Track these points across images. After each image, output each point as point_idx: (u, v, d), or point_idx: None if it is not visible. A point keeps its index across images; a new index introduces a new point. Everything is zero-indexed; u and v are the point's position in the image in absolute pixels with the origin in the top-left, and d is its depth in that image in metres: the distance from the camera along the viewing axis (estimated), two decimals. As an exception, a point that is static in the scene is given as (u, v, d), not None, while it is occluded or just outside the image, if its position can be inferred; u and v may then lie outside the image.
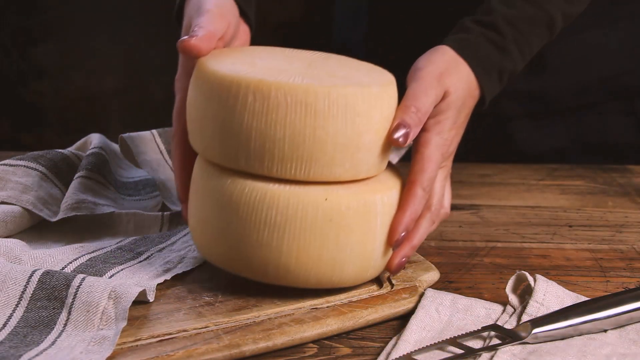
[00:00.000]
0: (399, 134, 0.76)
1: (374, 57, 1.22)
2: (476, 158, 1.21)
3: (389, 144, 0.77)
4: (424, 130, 0.80)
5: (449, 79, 0.81)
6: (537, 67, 0.89)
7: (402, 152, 1.04)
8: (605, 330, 0.75)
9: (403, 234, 0.77)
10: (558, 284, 0.79)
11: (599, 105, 1.21)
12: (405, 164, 0.86)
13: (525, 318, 0.75)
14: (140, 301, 0.75)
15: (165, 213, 0.92)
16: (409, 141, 0.76)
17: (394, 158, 1.15)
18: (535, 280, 0.78)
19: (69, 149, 1.00)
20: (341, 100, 0.73)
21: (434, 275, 0.83)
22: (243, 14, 0.87)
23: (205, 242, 0.78)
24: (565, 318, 0.73)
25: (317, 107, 0.72)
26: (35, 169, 0.93)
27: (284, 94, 0.72)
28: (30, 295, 0.73)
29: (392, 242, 0.77)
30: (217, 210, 0.75)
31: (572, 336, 0.73)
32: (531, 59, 0.92)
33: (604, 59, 1.18)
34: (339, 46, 1.32)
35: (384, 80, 0.77)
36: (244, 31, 0.88)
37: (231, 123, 0.73)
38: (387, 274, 0.81)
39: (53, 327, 0.70)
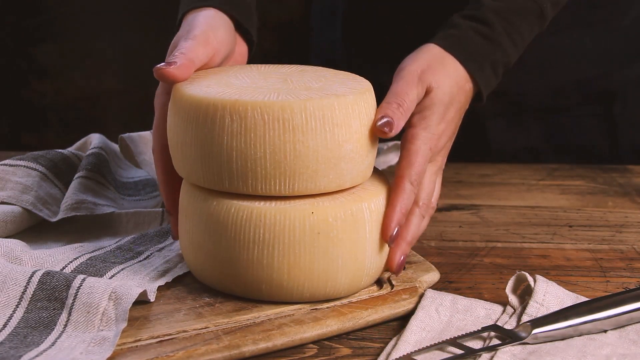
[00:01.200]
0: (382, 122, 0.76)
1: (350, 59, 1.21)
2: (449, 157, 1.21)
3: (374, 145, 0.77)
4: (410, 126, 0.80)
5: (432, 75, 0.81)
6: (512, 67, 0.90)
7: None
8: (605, 331, 0.75)
9: (396, 229, 0.77)
10: (558, 284, 0.79)
11: (574, 107, 1.21)
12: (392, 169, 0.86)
13: (525, 318, 0.75)
14: (140, 302, 0.75)
15: (165, 209, 0.92)
16: (394, 132, 0.76)
17: (394, 158, 1.15)
18: (535, 280, 0.78)
19: (69, 149, 1.00)
20: (317, 112, 0.73)
21: (434, 276, 0.83)
22: (242, 29, 0.86)
23: (198, 264, 0.78)
24: (565, 318, 0.73)
25: (294, 122, 0.72)
26: (35, 169, 0.93)
27: (261, 112, 0.72)
28: (30, 296, 0.73)
29: (387, 238, 0.77)
30: (206, 233, 0.75)
31: (572, 336, 0.73)
32: None
33: (580, 61, 1.18)
34: (317, 50, 1.31)
35: (360, 88, 0.77)
36: (240, 53, 0.88)
37: (211, 146, 0.73)
38: (387, 275, 0.81)
39: (53, 328, 0.70)
